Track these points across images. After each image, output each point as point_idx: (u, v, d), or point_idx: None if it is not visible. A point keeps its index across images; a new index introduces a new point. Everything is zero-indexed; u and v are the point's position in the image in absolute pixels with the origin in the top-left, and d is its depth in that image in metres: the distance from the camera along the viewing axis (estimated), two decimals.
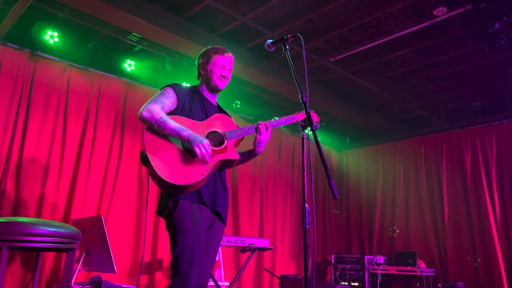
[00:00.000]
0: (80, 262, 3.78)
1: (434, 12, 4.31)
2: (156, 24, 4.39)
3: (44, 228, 2.11)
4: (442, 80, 5.95)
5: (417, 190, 6.84)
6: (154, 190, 5.02)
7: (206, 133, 2.21)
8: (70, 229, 2.31)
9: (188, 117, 2.22)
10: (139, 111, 2.11)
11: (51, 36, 4.43)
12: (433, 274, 6.01)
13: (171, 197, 2.10)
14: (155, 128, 2.08)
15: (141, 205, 5.02)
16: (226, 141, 2.21)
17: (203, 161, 2.06)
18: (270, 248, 4.52)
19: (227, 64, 2.38)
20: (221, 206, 2.25)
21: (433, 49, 5.15)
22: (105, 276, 3.94)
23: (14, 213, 4.16)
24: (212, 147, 2.13)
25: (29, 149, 4.32)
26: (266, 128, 2.30)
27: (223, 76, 2.36)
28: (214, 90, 2.40)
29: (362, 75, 5.84)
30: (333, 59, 5.38)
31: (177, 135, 2.08)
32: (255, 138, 2.30)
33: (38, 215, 4.26)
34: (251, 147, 2.35)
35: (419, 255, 6.20)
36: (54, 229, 2.16)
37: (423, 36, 4.85)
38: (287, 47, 2.24)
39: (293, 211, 6.86)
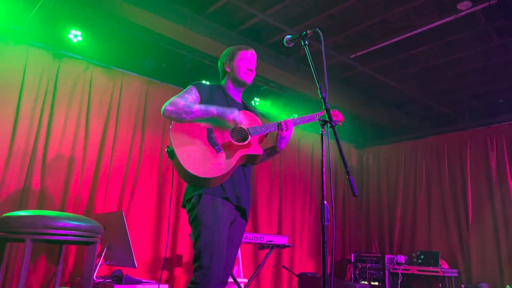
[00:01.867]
0: (102, 257, 3.86)
1: (458, 7, 4.20)
2: (175, 21, 4.42)
3: (67, 221, 2.16)
4: (466, 76, 5.81)
5: (439, 189, 6.70)
6: (175, 186, 5.09)
7: (230, 128, 2.24)
8: (91, 223, 2.36)
9: None
10: (162, 108, 2.14)
11: (74, 35, 4.52)
12: (456, 274, 5.88)
13: (195, 191, 2.13)
14: (182, 118, 2.12)
15: (161, 201, 5.08)
16: (250, 137, 2.23)
17: (240, 123, 2.15)
18: (289, 246, 4.52)
19: (252, 59, 2.43)
20: (245, 202, 2.26)
21: (457, 45, 5.03)
22: (126, 271, 4.00)
23: (40, 208, 4.28)
24: (236, 142, 2.18)
25: (53, 145, 4.42)
26: (288, 125, 2.32)
27: (250, 70, 2.40)
28: (242, 85, 2.43)
29: (383, 71, 5.75)
30: (354, 55, 5.32)
31: (205, 113, 2.14)
32: (277, 134, 2.33)
33: (62, 209, 4.37)
34: (272, 144, 2.38)
35: (442, 255, 6.08)
36: (76, 223, 2.21)
37: (446, 31, 4.74)
38: (306, 42, 2.23)
39: (312, 208, 6.83)
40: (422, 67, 5.62)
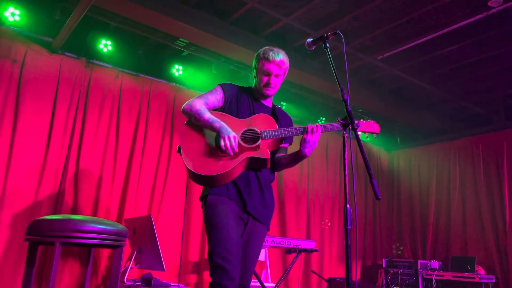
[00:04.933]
0: (132, 260, 3.94)
1: (489, 4, 4.06)
2: (202, 29, 4.49)
3: (94, 225, 2.23)
4: (501, 74, 5.59)
5: (474, 191, 6.47)
6: (200, 189, 5.13)
7: (243, 130, 2.21)
8: (118, 227, 2.42)
9: (234, 115, 2.27)
10: (183, 106, 2.24)
11: (105, 45, 4.67)
12: (493, 281, 5.66)
13: (203, 192, 2.22)
14: (193, 120, 2.21)
15: (190, 205, 5.15)
16: (260, 139, 2.18)
17: (227, 152, 2.11)
18: (316, 250, 4.47)
19: (274, 70, 2.28)
20: (252, 206, 2.18)
21: (490, 43, 4.86)
22: (156, 274, 4.07)
23: (73, 212, 4.42)
24: (243, 144, 2.16)
25: (85, 152, 4.57)
26: (314, 129, 2.22)
27: (268, 83, 2.30)
28: (262, 95, 2.39)
29: (412, 72, 5.62)
30: (381, 56, 5.23)
31: (211, 126, 2.16)
32: (302, 138, 2.24)
33: (94, 214, 4.50)
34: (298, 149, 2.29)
35: (478, 261, 5.86)
36: (103, 227, 2.28)
37: (477, 29, 4.59)
38: (327, 45, 2.19)
39: (342, 212, 6.73)
40: (453, 66, 5.46)
